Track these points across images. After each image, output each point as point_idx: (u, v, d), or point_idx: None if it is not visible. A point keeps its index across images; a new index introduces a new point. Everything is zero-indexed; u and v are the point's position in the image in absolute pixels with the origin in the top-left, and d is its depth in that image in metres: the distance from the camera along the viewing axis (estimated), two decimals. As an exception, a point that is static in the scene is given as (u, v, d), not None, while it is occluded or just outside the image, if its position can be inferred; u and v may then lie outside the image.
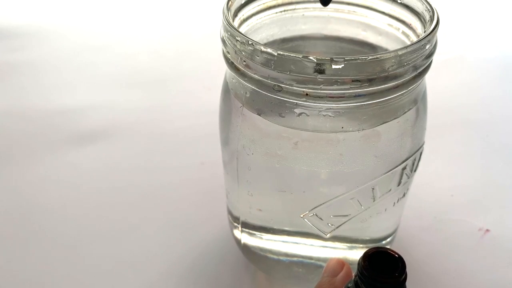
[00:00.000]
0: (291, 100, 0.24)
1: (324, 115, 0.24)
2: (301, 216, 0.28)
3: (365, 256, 0.21)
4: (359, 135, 0.25)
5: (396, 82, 0.23)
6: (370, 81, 0.22)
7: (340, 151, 0.25)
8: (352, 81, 0.22)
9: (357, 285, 0.21)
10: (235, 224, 0.33)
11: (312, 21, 0.32)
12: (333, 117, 0.24)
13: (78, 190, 0.43)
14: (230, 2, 0.27)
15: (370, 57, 0.22)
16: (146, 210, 0.41)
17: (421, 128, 0.28)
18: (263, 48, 0.23)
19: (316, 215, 0.28)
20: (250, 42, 0.23)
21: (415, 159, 0.29)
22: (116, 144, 0.49)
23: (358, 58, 0.22)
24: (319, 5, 0.28)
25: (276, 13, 0.31)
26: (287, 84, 0.23)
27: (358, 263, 0.21)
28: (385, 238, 0.33)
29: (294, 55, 0.22)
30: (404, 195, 0.31)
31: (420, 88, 0.27)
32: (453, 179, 0.44)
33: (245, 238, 0.33)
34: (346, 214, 0.28)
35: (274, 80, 0.23)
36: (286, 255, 0.32)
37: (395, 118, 0.26)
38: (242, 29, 0.28)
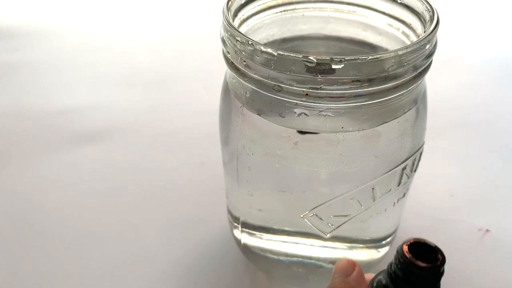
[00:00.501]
0: (291, 100, 0.24)
1: (324, 115, 0.24)
2: (301, 216, 0.28)
3: (406, 244, 0.20)
4: (359, 135, 0.25)
5: (396, 82, 0.23)
6: (370, 81, 0.22)
7: (340, 151, 0.25)
8: (352, 81, 0.22)
9: (392, 276, 0.21)
10: (235, 224, 0.33)
11: (312, 21, 0.32)
12: (333, 117, 0.24)
13: (77, 190, 0.43)
14: (230, 2, 0.27)
15: (370, 57, 0.22)
16: (146, 210, 0.41)
17: (421, 128, 0.28)
18: (263, 48, 0.23)
19: (316, 215, 0.28)
20: (250, 42, 0.23)
21: (415, 159, 0.29)
22: (116, 144, 0.49)
23: (358, 58, 0.22)
24: (319, 5, 0.28)
25: (276, 13, 0.31)
26: (287, 84, 0.23)
27: (397, 252, 0.21)
28: (385, 238, 0.33)
29: (294, 55, 0.22)
30: (404, 195, 0.31)
31: (420, 88, 0.27)
32: (453, 179, 0.44)
33: (245, 238, 0.33)
34: (346, 214, 0.28)
35: (274, 80, 0.23)
36: (286, 255, 0.32)
37: (395, 118, 0.26)
38: (242, 29, 0.28)
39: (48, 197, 0.43)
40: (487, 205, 0.41)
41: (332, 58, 0.22)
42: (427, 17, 0.26)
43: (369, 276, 0.24)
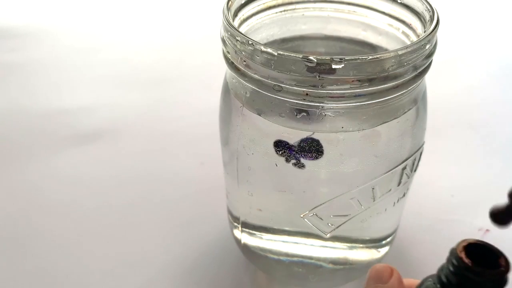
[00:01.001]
0: (291, 100, 0.24)
1: (324, 115, 0.24)
2: (301, 216, 0.28)
3: (463, 246, 0.18)
4: (359, 135, 0.25)
5: (396, 82, 0.23)
6: (370, 81, 0.22)
7: (340, 151, 0.25)
8: (352, 81, 0.22)
9: (444, 282, 0.18)
10: (235, 224, 0.33)
11: (312, 21, 0.32)
12: (333, 117, 0.24)
13: (77, 190, 0.43)
14: (230, 2, 0.27)
15: (370, 57, 0.22)
16: (146, 210, 0.41)
17: (421, 128, 0.28)
18: (263, 48, 0.23)
19: (316, 215, 0.28)
20: (250, 42, 0.23)
21: (415, 159, 0.29)
22: (116, 144, 0.49)
23: (358, 58, 0.22)
24: (319, 5, 0.28)
25: (276, 13, 0.31)
26: (287, 84, 0.23)
27: (452, 254, 0.18)
28: (385, 238, 0.33)
29: (294, 55, 0.22)
30: (404, 195, 0.31)
31: (420, 88, 0.27)
32: (453, 179, 0.44)
33: (245, 238, 0.33)
34: (346, 214, 0.28)
35: (274, 80, 0.23)
36: (286, 255, 0.32)
37: (395, 118, 0.26)
38: (242, 29, 0.28)
39: (48, 197, 0.43)
40: (487, 205, 0.41)
41: (332, 58, 0.22)
42: (427, 17, 0.26)
43: (408, 281, 0.22)
